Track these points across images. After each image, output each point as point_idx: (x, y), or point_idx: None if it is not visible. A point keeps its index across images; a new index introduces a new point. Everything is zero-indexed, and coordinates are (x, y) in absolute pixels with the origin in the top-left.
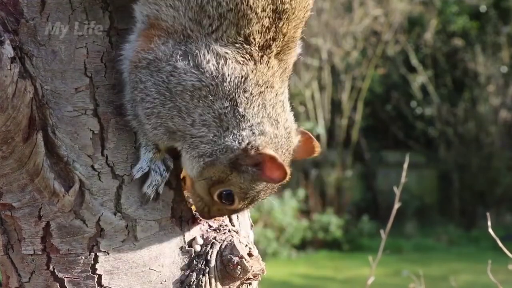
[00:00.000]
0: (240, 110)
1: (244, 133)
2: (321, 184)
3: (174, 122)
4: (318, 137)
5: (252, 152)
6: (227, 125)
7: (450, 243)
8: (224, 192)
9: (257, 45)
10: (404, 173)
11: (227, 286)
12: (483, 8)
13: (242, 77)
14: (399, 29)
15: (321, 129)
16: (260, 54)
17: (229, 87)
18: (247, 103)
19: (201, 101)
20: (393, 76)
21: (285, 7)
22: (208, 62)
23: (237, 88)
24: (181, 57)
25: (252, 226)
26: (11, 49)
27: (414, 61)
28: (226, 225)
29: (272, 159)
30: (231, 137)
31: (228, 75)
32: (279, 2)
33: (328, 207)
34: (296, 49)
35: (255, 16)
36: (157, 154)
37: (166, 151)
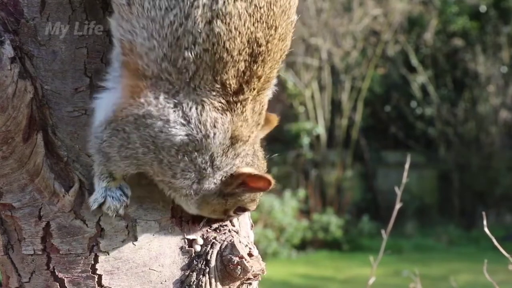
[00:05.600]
0: (217, 162)
1: (217, 176)
2: (321, 184)
3: (153, 168)
4: (318, 137)
5: (229, 179)
6: (205, 175)
7: (450, 243)
8: (236, 210)
9: (232, 90)
10: (405, 173)
11: (227, 286)
12: (483, 8)
13: (224, 132)
14: (399, 29)
15: (321, 129)
16: (234, 100)
17: (212, 143)
18: (222, 155)
19: (186, 156)
20: (393, 76)
21: (260, 50)
22: (193, 114)
23: (219, 144)
24: (172, 110)
25: (252, 226)
26: (11, 49)
27: (414, 61)
28: (226, 225)
29: (250, 175)
30: (207, 183)
31: (210, 127)
32: (255, 45)
33: (328, 207)
34: (271, 87)
35: (231, 60)
36: (111, 183)
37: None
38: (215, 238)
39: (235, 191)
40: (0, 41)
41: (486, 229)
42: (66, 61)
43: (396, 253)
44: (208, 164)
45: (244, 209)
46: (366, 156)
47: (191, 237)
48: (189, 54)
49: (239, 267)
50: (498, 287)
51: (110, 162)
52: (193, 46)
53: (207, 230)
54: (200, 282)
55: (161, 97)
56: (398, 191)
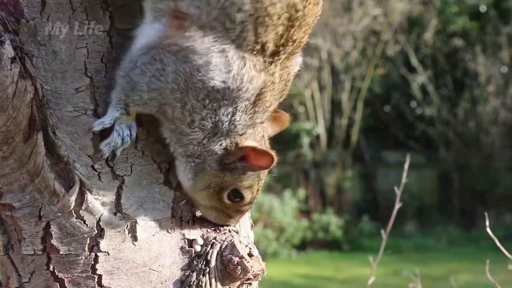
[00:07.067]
0: (236, 118)
1: (227, 139)
2: (321, 184)
3: (174, 111)
4: (318, 137)
5: (233, 148)
6: (218, 131)
7: (450, 243)
8: (231, 192)
9: (269, 52)
10: (405, 173)
11: (227, 286)
12: (483, 8)
13: (255, 89)
14: (399, 29)
15: (321, 129)
16: (270, 61)
17: (241, 94)
18: (243, 112)
19: (210, 104)
20: (393, 76)
21: (298, 15)
22: (235, 66)
23: (246, 99)
24: (217, 54)
25: (252, 226)
26: (12, 49)
27: (414, 61)
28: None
29: (254, 149)
30: (215, 143)
31: (246, 82)
32: (293, 10)
33: (328, 207)
34: (298, 57)
35: (272, 24)
36: (124, 116)
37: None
38: (215, 238)
39: (235, 166)
40: (0, 41)
41: (488, 230)
42: (66, 61)
43: (396, 253)
44: (228, 117)
45: (239, 196)
46: (366, 156)
47: (191, 237)
48: (235, 16)
49: (239, 267)
50: (500, 287)
51: (133, 91)
52: (238, 11)
53: (207, 230)
54: (200, 282)
55: (208, 38)
56: (398, 191)
